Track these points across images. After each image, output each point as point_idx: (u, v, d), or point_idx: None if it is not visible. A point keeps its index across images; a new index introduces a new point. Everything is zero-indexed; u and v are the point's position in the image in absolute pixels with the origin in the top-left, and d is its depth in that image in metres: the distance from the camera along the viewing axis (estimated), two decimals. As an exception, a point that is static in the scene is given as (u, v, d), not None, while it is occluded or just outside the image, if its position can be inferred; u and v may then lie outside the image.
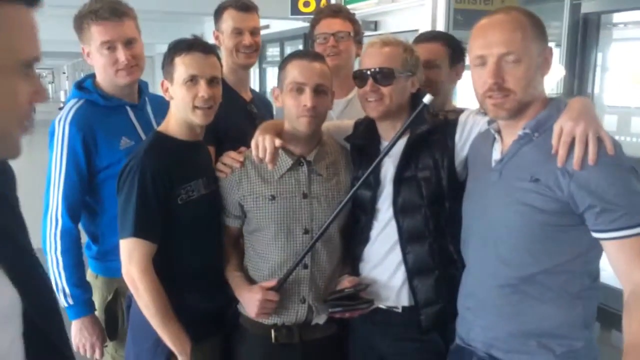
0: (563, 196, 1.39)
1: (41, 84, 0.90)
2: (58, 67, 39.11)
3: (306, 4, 5.78)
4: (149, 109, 2.16)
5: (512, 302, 1.50)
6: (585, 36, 4.41)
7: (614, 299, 2.13)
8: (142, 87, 2.19)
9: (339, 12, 2.35)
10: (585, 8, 4.32)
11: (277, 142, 1.75)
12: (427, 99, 1.64)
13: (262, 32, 2.39)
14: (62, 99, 29.17)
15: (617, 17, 4.80)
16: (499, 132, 1.58)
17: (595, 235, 1.39)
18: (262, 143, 1.77)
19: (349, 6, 3.75)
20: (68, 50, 18.32)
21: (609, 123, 4.81)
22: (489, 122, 1.62)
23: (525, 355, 1.50)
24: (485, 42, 1.46)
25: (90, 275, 2.10)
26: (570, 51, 4.39)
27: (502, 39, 1.43)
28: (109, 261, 2.02)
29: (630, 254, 1.35)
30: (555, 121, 1.44)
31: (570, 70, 4.42)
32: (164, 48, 1.85)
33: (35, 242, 2.19)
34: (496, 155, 1.57)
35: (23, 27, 0.86)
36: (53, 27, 11.42)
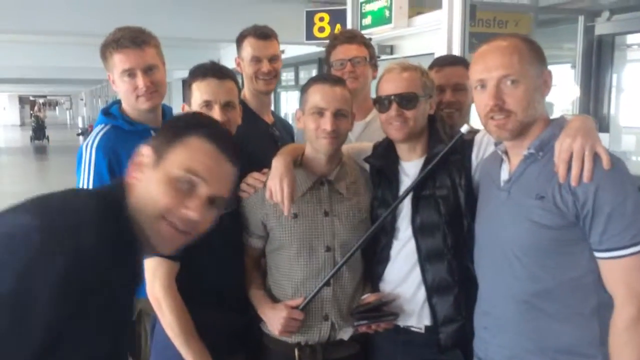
0: (568, 212, 1.42)
1: (191, 209, 1.15)
2: (76, 94, 39.85)
3: (321, 30, 5.89)
4: (172, 133, 2.21)
5: (528, 319, 1.52)
6: (600, 57, 4.44)
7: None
8: (166, 112, 2.25)
9: (354, 38, 2.40)
10: (599, 30, 4.35)
11: (287, 190, 1.79)
12: (464, 128, 1.73)
13: (278, 56, 2.44)
14: (80, 125, 29.64)
15: (630, 38, 4.83)
16: (506, 152, 1.62)
17: (598, 255, 1.42)
18: (275, 188, 1.81)
19: (365, 31, 3.82)
20: (86, 77, 18.72)
21: (626, 143, 4.80)
22: (496, 144, 1.66)
23: None
24: (484, 66, 1.52)
25: (115, 296, 2.13)
26: (585, 72, 4.42)
27: (501, 63, 1.49)
28: (133, 282, 2.05)
29: (636, 271, 1.38)
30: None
31: (585, 91, 4.44)
32: (180, 74, 1.93)
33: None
34: (504, 175, 1.61)
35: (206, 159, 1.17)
36: (71, 54, 11.72)
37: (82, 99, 37.65)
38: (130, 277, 1.23)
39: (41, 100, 49.60)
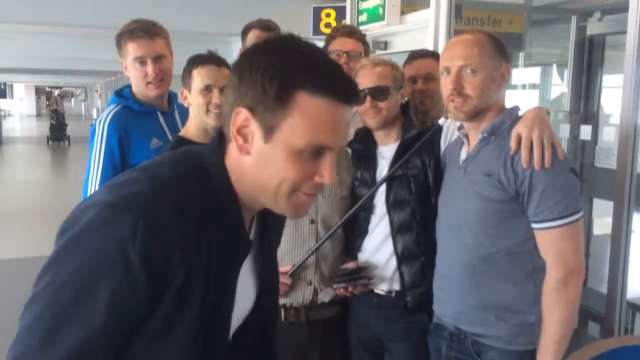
0: (510, 188, 1.63)
1: (326, 176, 1.01)
2: (91, 86, 40.26)
3: (328, 25, 6.03)
4: (177, 115, 2.44)
5: (474, 280, 1.73)
6: (591, 57, 4.56)
7: (586, 298, 2.35)
8: (172, 97, 2.47)
9: (353, 33, 2.59)
10: (591, 30, 4.48)
11: None
12: (441, 121, 1.95)
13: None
14: (95, 116, 29.99)
15: (623, 38, 4.92)
16: (466, 136, 1.83)
17: (534, 225, 1.63)
18: None
19: (361, 27, 4.02)
20: (101, 69, 18.93)
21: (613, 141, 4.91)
22: (459, 128, 1.87)
23: (485, 327, 1.72)
24: (450, 55, 1.74)
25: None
26: (576, 72, 4.54)
27: (463, 53, 1.70)
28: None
29: (564, 240, 1.60)
30: (508, 126, 1.70)
31: (576, 90, 4.57)
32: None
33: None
34: (463, 155, 1.82)
35: (328, 119, 0.97)
36: (85, 46, 11.97)
37: (97, 91, 38.04)
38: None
39: (56, 92, 50.09)
